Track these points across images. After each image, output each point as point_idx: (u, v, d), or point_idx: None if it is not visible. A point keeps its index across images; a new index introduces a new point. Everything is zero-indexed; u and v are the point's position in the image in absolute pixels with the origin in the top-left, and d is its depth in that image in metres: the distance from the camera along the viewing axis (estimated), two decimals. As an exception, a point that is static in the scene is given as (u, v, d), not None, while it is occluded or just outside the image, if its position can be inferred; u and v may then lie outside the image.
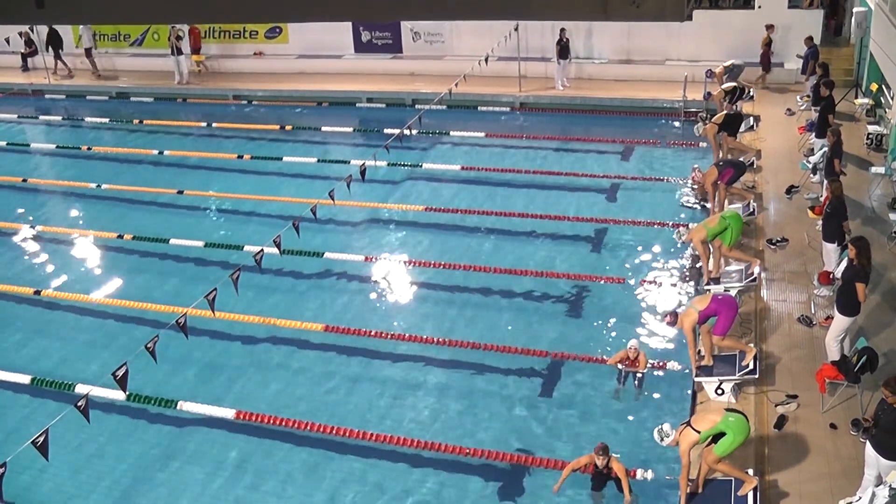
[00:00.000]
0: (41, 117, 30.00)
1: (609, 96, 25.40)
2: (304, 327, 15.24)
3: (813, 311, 13.84)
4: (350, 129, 25.83)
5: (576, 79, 27.15)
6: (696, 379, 12.39)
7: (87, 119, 28.94)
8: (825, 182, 15.63)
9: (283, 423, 12.81)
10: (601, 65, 27.48)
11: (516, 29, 25.64)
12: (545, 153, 22.43)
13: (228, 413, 13.06)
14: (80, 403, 10.47)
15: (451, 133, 24.43)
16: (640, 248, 17.34)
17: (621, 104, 25.08)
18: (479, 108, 26.43)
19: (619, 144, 22.71)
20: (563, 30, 25.85)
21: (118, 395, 12.70)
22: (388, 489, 11.49)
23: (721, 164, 17.48)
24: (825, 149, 16.97)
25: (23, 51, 34.13)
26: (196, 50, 31.05)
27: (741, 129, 20.23)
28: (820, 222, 15.36)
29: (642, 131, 23.40)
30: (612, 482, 10.86)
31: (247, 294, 15.23)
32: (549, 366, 13.73)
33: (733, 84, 22.22)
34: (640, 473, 11.09)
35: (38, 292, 17.32)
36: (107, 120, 28.50)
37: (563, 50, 26.08)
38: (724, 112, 20.17)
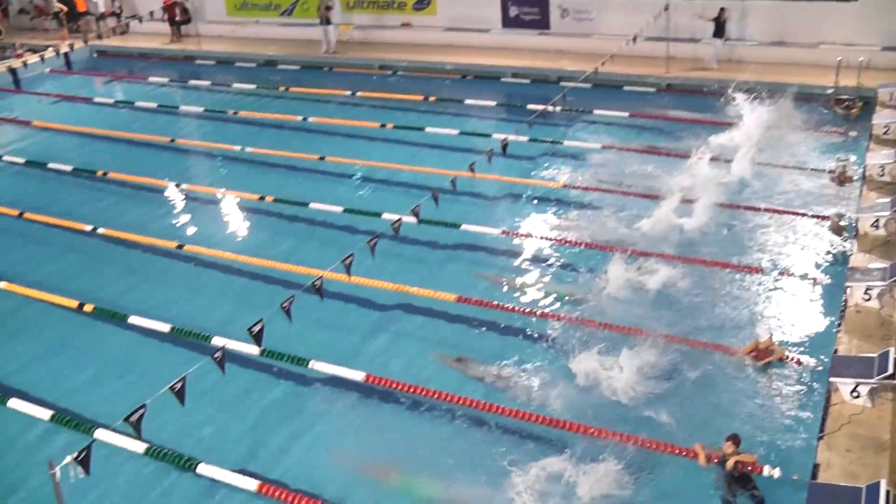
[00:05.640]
0: (190, 82, 30.72)
1: (757, 79, 24.20)
2: (437, 297, 15.01)
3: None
4: (493, 104, 25.46)
5: (725, 61, 25.99)
6: (832, 379, 11.59)
7: (235, 85, 29.44)
8: None
9: (412, 390, 12.61)
10: (751, 47, 26.22)
11: (666, 8, 24.74)
12: (689, 135, 21.50)
13: (358, 375, 12.94)
14: (216, 355, 10.53)
15: (595, 111, 23.76)
16: (777, 237, 16.42)
17: (768, 88, 23.85)
18: (624, 87, 25.65)
19: (763, 129, 21.44)
20: (723, 9, 24.76)
21: (252, 350, 12.77)
22: (519, 464, 11.10)
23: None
24: None
25: (177, 18, 35.23)
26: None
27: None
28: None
29: (789, 117, 22.15)
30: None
31: (382, 261, 15.07)
32: (677, 352, 13.06)
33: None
34: (766, 470, 10.46)
35: (180, 246, 17.70)
36: (254, 86, 28.95)
37: (720, 28, 24.99)
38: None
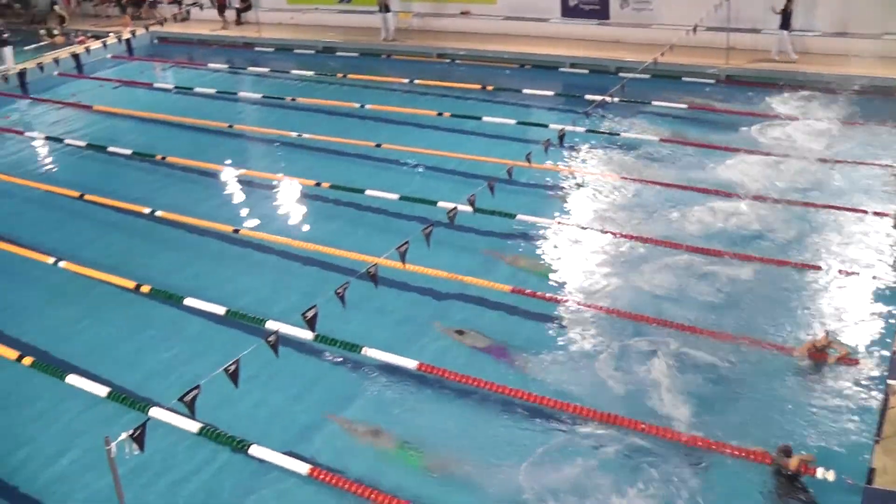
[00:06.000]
0: (249, 68, 30.95)
1: (818, 71, 23.70)
2: (490, 286, 14.89)
3: None
4: (551, 93, 25.24)
5: (784, 51, 25.35)
6: (890, 381, 11.28)
7: (293, 71, 29.57)
8: None
9: (464, 381, 12.51)
10: (814, 37, 25.60)
11: (728, -2, 24.31)
12: (748, 128, 21.10)
13: (411, 364, 12.88)
14: (270, 339, 10.52)
15: (653, 103, 23.41)
16: (840, 235, 15.97)
17: (829, 80, 23.33)
18: (682, 78, 25.23)
19: (824, 123, 21.05)
20: (790, -1, 24.27)
21: (305, 335, 12.78)
22: (572, 455, 10.99)
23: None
24: None
25: (237, 6, 35.57)
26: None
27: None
28: None
29: (851, 110, 21.66)
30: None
31: (437, 249, 14.96)
32: (731, 349, 12.80)
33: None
34: (820, 472, 10.20)
35: (236, 230, 17.80)
36: (312, 73, 29.06)
37: (786, 19, 24.46)
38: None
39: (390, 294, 14.85)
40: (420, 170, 20.54)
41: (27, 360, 13.76)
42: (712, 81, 24.98)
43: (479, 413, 12.04)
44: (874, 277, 14.51)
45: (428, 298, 15.04)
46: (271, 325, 13.58)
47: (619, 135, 21.40)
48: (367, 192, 18.84)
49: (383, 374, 13.00)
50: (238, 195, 20.36)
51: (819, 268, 14.84)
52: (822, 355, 12.30)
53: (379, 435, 11.76)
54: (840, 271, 14.68)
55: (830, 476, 10.11)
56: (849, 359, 12.34)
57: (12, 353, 14.03)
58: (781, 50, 24.93)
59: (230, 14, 35.88)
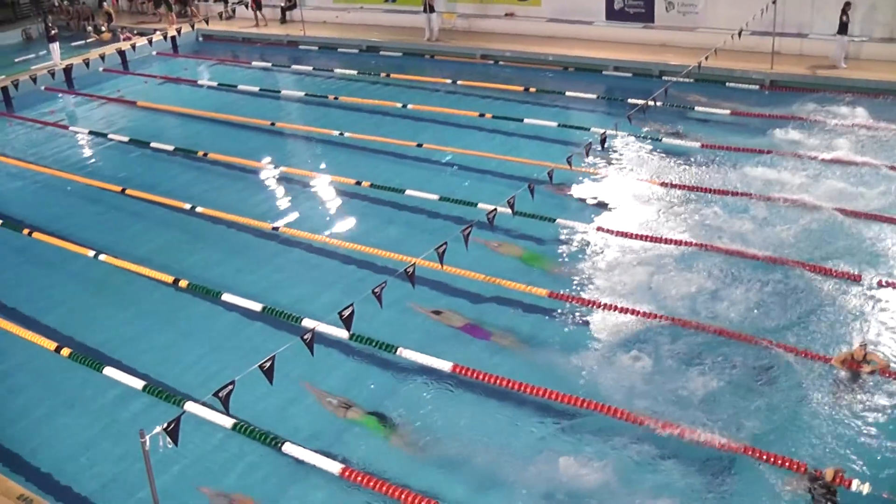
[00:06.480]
0: (293, 66, 30.99)
1: (865, 77, 23.20)
2: (528, 290, 14.72)
3: None
4: (594, 96, 25.00)
5: (825, 57, 24.90)
6: None
7: (336, 70, 29.61)
8: None
9: (498, 383, 12.36)
10: (861, 42, 25.04)
11: (774, 1, 23.86)
12: (790, 134, 20.66)
13: (445, 365, 12.76)
14: (306, 336, 10.47)
15: (696, 108, 23.09)
16: (883, 245, 15.52)
17: (877, 86, 22.82)
18: (727, 83, 24.89)
19: (871, 130, 20.56)
20: (848, 3, 23.64)
21: (341, 334, 12.71)
22: (597, 455, 10.82)
23: None
24: None
25: (282, 4, 35.75)
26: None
27: None
28: None
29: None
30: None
31: (475, 251, 14.88)
32: (768, 356, 12.54)
33: None
34: (855, 484, 9.94)
35: (276, 228, 17.79)
36: (355, 72, 29.08)
37: (843, 25, 23.92)
38: None
39: (427, 294, 14.77)
40: (460, 171, 20.40)
41: (65, 351, 13.84)
42: (756, 87, 24.57)
43: (522, 419, 11.90)
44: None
45: (463, 300, 14.86)
46: (308, 322, 13.54)
47: (660, 140, 21.10)
48: (408, 191, 18.77)
49: (417, 374, 12.90)
50: (278, 192, 20.40)
51: (859, 278, 14.45)
52: (859, 366, 12.00)
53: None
54: (880, 282, 14.30)
55: (865, 489, 9.88)
56: (886, 371, 12.03)
57: (50, 344, 14.13)
58: (838, 56, 24.39)
59: (267, 12, 36.08)
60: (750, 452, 10.67)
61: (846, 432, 11.13)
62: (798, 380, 12.08)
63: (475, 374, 12.52)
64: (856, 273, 14.56)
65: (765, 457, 10.58)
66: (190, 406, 11.82)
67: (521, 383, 12.23)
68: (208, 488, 10.99)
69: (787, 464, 10.43)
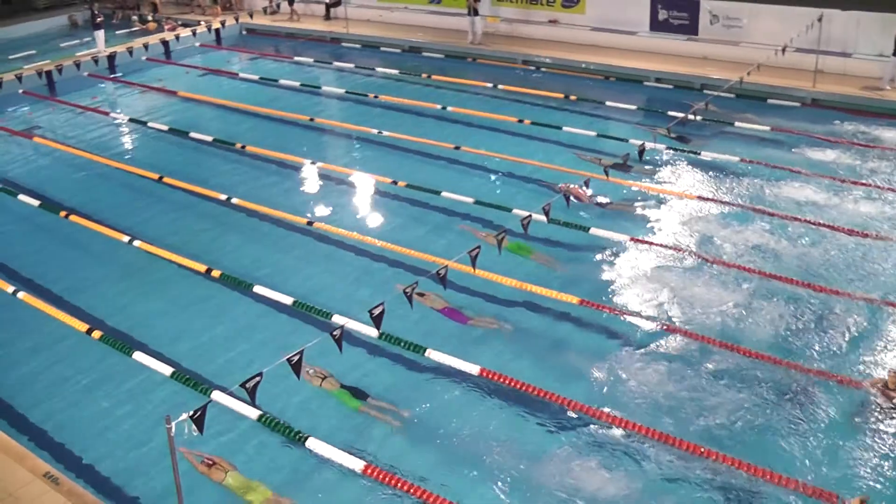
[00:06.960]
0: (335, 63, 31.04)
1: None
2: (559, 297, 14.62)
3: None
4: (633, 107, 24.81)
5: (879, 78, 24.51)
6: None
7: (378, 69, 29.63)
8: None
9: (526, 389, 12.28)
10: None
11: (820, 19, 23.57)
12: (834, 155, 20.43)
13: (473, 368, 12.69)
14: (335, 333, 10.45)
15: (736, 123, 22.82)
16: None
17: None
18: (768, 100, 24.62)
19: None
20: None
21: (370, 332, 12.69)
22: (620, 478, 10.73)
23: None
24: None
25: (326, 1, 35.87)
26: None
27: None
28: None
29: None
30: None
31: (508, 256, 14.82)
32: (797, 379, 12.39)
33: None
34: None
35: (310, 223, 17.82)
36: (396, 72, 29.08)
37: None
38: None
39: (457, 297, 14.74)
40: (496, 175, 20.35)
41: (96, 334, 13.94)
42: (798, 104, 24.28)
43: (550, 428, 11.81)
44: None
45: (493, 306, 14.77)
46: (337, 318, 13.55)
47: (699, 154, 20.88)
48: (444, 193, 18.68)
49: (444, 376, 12.86)
50: (314, 188, 20.46)
51: (893, 304, 14.21)
52: (892, 394, 11.81)
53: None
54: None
55: None
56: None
57: (82, 326, 14.23)
58: (887, 77, 24.05)
59: (309, 8, 36.32)
60: (776, 480, 10.50)
61: (875, 460, 10.96)
62: (827, 405, 11.91)
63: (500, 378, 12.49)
64: (893, 300, 14.33)
65: (787, 483, 10.43)
66: (217, 395, 11.85)
67: (556, 394, 12.17)
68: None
69: (815, 493, 10.25)
